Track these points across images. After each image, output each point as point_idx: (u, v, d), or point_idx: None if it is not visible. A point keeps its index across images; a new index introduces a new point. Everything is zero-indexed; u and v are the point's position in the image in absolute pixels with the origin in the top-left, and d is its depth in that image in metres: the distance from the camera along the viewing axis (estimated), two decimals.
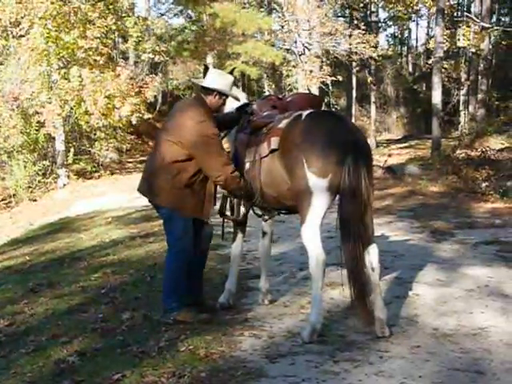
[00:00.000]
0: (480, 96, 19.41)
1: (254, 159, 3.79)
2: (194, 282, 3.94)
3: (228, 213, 4.20)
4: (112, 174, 16.21)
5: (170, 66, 25.87)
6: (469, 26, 18.22)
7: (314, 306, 3.48)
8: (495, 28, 18.73)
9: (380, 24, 27.60)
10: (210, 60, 20.06)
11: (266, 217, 4.20)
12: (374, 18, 24.72)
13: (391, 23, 30.92)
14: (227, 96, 3.92)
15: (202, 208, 3.86)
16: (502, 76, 23.77)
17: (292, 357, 3.22)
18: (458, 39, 19.02)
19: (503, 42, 20.02)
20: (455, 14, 22.74)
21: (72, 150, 15.13)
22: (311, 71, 16.75)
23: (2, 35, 14.41)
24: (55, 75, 14.03)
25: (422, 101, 27.07)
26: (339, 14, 25.92)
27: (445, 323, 3.71)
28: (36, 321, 4.04)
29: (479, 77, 20.05)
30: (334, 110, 20.55)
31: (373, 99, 23.22)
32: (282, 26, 17.68)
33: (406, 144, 21.57)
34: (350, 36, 17.26)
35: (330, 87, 19.13)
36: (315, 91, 16.43)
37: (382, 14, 30.94)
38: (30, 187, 13.83)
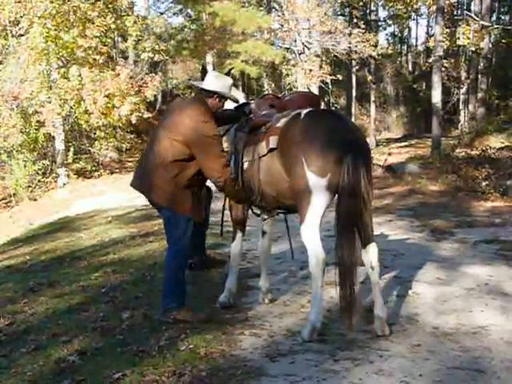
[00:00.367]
0: (480, 95, 19.39)
1: (253, 158, 3.79)
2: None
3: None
4: (112, 173, 16.21)
5: (169, 65, 25.87)
6: (469, 25, 18.21)
7: (314, 305, 3.48)
8: (495, 26, 18.72)
9: (380, 23, 27.57)
10: (209, 59, 20.06)
11: (265, 216, 4.20)
12: (373, 17, 24.71)
13: (391, 22, 30.85)
14: (226, 98, 3.93)
15: (199, 209, 3.87)
16: (502, 75, 23.76)
17: (292, 356, 3.22)
18: (458, 38, 18.99)
19: (503, 41, 20.02)
20: (455, 13, 22.70)
21: (72, 149, 15.15)
22: (311, 70, 16.75)
23: (2, 34, 14.38)
24: (55, 74, 14.03)
25: (421, 100, 27.06)
26: (339, 13, 25.92)
27: (445, 322, 3.71)
28: (36, 320, 4.04)
29: (479, 75, 20.03)
30: (333, 108, 20.55)
31: (373, 98, 23.20)
32: (282, 25, 17.67)
33: (405, 143, 21.55)
34: (350, 35, 17.24)
35: (330, 86, 19.15)
36: (315, 90, 16.43)
37: (382, 13, 30.99)
38: (29, 186, 13.84)
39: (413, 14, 27.96)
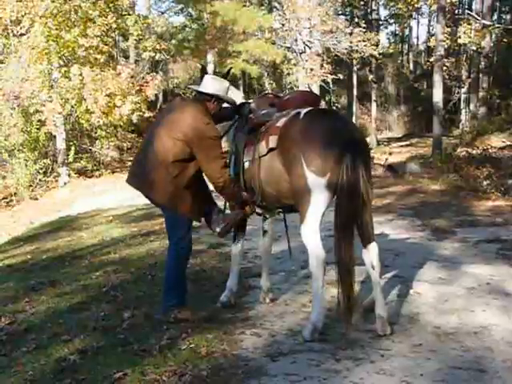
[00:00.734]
0: (481, 94, 19.38)
1: (253, 158, 3.79)
2: None
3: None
4: (113, 172, 16.21)
5: (170, 64, 25.90)
6: (470, 24, 18.17)
7: (314, 305, 3.48)
8: (496, 26, 18.68)
9: (381, 22, 27.56)
10: (210, 58, 20.05)
11: (267, 215, 4.20)
12: (374, 16, 24.71)
13: (392, 21, 30.84)
14: (224, 101, 3.93)
15: (199, 209, 3.87)
16: (503, 74, 23.71)
17: (293, 355, 3.22)
18: (459, 37, 18.95)
19: (504, 40, 19.95)
20: (456, 12, 22.66)
21: (73, 148, 15.14)
22: (312, 69, 16.74)
23: (3, 34, 14.39)
24: (56, 74, 14.04)
25: (422, 99, 26.99)
26: (340, 12, 25.83)
27: (446, 321, 3.71)
28: (37, 319, 4.04)
29: (480, 75, 20.02)
30: (334, 108, 20.55)
31: (373, 97, 23.21)
32: (283, 24, 17.66)
33: (406, 142, 21.55)
34: (351, 34, 17.24)
35: (331, 85, 19.14)
36: (316, 89, 16.42)
37: (383, 12, 30.96)
38: (30, 186, 13.85)
39: (414, 13, 27.92)
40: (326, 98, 21.47)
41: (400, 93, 30.16)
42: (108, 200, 11.23)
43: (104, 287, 4.72)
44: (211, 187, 4.01)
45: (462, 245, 6.00)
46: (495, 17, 23.59)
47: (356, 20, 21.11)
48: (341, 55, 17.99)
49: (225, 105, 4.05)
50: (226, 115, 4.15)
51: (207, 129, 3.71)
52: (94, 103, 13.69)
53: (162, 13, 27.27)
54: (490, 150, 12.70)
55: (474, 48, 19.81)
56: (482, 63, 19.56)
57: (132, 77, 15.26)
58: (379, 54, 19.65)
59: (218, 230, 3.98)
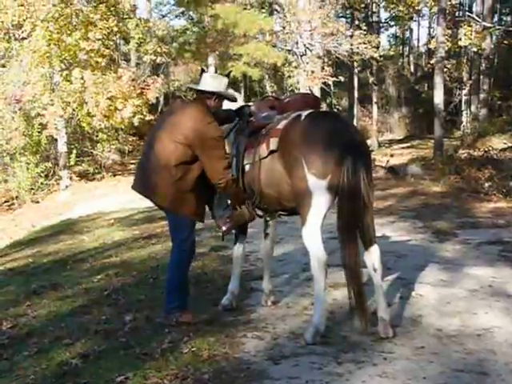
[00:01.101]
0: (482, 96, 19.36)
1: (254, 160, 3.78)
2: None
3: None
4: (114, 175, 16.23)
5: (171, 67, 25.91)
6: (470, 26, 18.17)
7: (316, 307, 3.47)
8: (497, 27, 18.69)
9: (381, 24, 27.57)
10: (211, 61, 20.08)
11: (268, 218, 4.19)
12: (375, 19, 24.72)
13: (392, 23, 30.82)
14: (224, 98, 3.93)
15: (203, 211, 3.87)
16: (504, 75, 23.71)
17: (295, 358, 3.21)
18: (460, 39, 18.96)
19: (505, 42, 19.97)
20: (457, 14, 22.68)
21: (74, 151, 15.17)
22: (313, 72, 16.76)
23: (5, 38, 14.42)
24: (57, 77, 14.06)
25: (423, 101, 26.96)
26: (340, 15, 25.88)
27: (448, 324, 3.70)
28: (39, 323, 4.04)
29: (481, 76, 20.00)
30: (335, 110, 20.56)
31: (374, 99, 23.19)
32: (284, 27, 17.70)
33: (408, 144, 21.52)
34: (352, 36, 17.27)
35: (332, 88, 19.13)
36: (317, 92, 16.44)
37: (384, 15, 30.86)
38: (32, 189, 13.87)
39: (414, 15, 27.94)
40: (327, 101, 21.46)
41: (401, 95, 30.14)
42: (109, 203, 11.24)
43: (105, 290, 4.72)
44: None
45: (464, 247, 5.98)
46: (496, 19, 23.61)
47: (357, 22, 21.11)
48: (341, 57, 18.01)
49: (226, 105, 4.05)
50: (226, 118, 4.15)
51: (208, 129, 3.70)
52: (96, 106, 13.71)
53: (163, 16, 27.33)
54: (491, 152, 12.66)
55: (475, 50, 19.79)
56: (483, 65, 19.55)
57: (133, 80, 15.28)
58: (380, 56, 19.68)
59: (224, 228, 3.99)
